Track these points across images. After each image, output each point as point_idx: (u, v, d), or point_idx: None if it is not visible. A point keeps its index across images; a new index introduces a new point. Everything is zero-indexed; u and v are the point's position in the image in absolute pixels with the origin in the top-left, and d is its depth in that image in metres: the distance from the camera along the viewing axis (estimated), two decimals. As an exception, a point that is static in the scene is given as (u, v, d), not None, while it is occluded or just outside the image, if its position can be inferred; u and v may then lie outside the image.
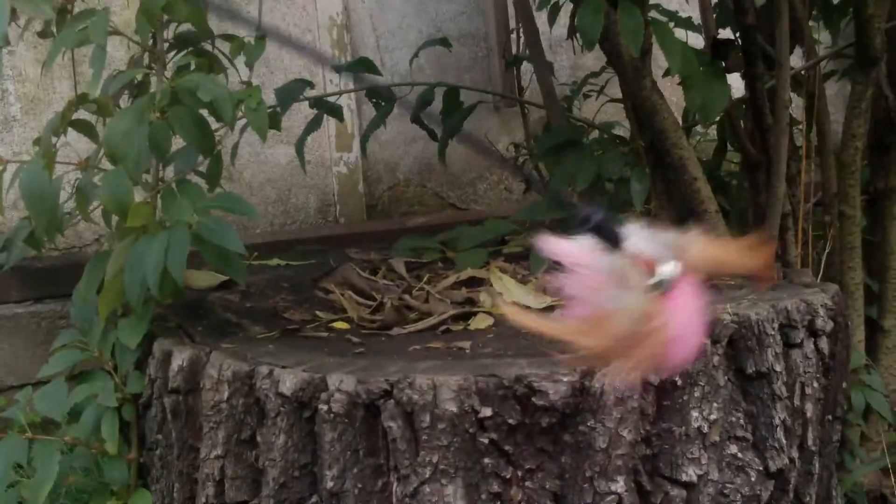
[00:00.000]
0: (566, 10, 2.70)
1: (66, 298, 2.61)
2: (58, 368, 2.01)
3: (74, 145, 2.19)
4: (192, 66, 2.14)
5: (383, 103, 2.90)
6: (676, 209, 2.57)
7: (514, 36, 3.77)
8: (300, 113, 3.12)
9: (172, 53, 2.20)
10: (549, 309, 1.99)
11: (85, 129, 2.24)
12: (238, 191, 3.36)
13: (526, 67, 3.55)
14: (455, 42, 3.53)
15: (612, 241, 1.06)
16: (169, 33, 2.17)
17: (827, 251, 2.69)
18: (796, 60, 2.84)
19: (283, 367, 1.66)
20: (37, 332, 2.72)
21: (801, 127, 2.88)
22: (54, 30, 2.18)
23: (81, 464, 2.01)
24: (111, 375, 1.98)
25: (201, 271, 2.27)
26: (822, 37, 3.13)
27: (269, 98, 2.14)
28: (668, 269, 1.04)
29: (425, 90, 2.91)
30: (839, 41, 3.03)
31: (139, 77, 2.20)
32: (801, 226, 2.63)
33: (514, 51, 3.75)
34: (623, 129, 3.18)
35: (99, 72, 1.98)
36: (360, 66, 3.02)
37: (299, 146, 2.71)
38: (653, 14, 2.52)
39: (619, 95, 2.97)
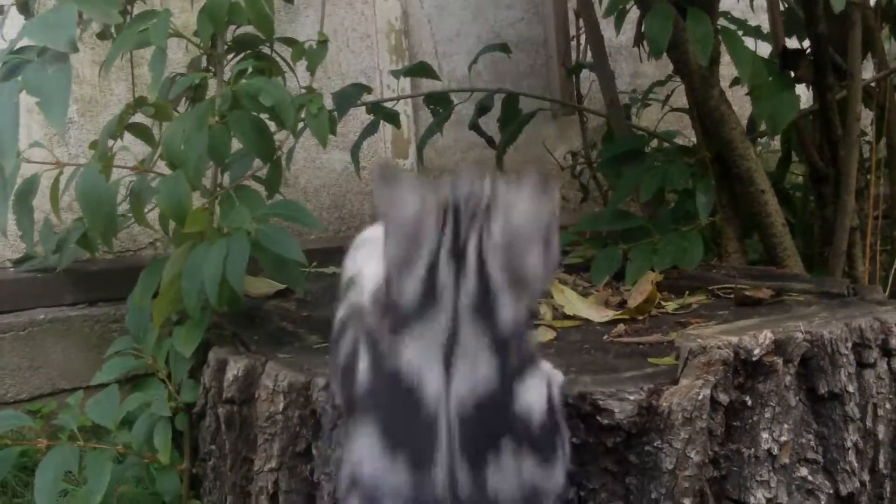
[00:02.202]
0: (629, 17, 2.66)
1: (120, 302, 2.62)
2: (111, 376, 2.00)
3: (130, 148, 2.17)
4: (251, 70, 2.12)
5: (441, 110, 2.87)
6: (742, 222, 2.52)
7: (573, 43, 3.72)
8: (356, 118, 3.09)
9: (230, 56, 2.18)
10: (612, 323, 1.95)
11: (142, 132, 2.22)
12: (293, 196, 3.33)
13: (584, 75, 3.50)
14: (514, 48, 3.48)
15: None
16: (227, 36, 2.14)
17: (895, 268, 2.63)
18: (866, 71, 2.78)
19: (341, 378, 1.62)
20: (90, 335, 2.71)
21: (868, 139, 2.82)
22: (113, 31, 2.17)
23: (133, 473, 2.00)
24: (165, 383, 1.96)
25: (258, 278, 2.24)
26: (889, 47, 3.07)
27: (326, 102, 2.11)
28: None
29: (484, 97, 2.87)
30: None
31: (198, 81, 2.17)
32: (869, 240, 2.57)
33: (573, 58, 3.70)
34: (683, 139, 3.12)
35: (159, 75, 1.95)
36: (418, 72, 3.00)
37: (355, 152, 2.68)
38: (722, 22, 2.48)
39: (680, 104, 2.92)
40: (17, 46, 1.82)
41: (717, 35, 2.33)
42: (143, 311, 2.01)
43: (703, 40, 2.26)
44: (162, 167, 2.07)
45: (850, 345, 1.69)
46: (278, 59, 2.24)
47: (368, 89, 2.56)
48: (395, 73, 3.05)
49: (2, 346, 2.65)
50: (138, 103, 2.16)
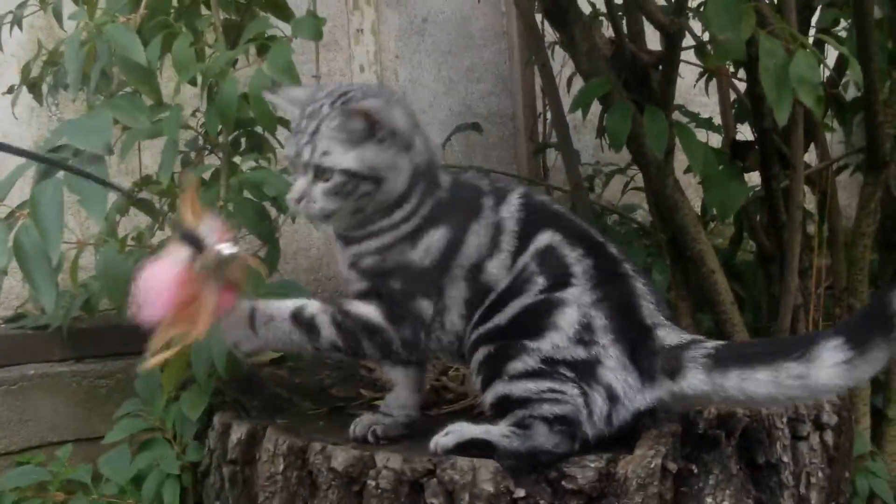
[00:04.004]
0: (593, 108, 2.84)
1: (107, 358, 2.82)
2: (121, 435, 2.16)
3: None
4: (243, 146, 2.35)
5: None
6: (694, 299, 2.72)
7: (540, 117, 3.93)
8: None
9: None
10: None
11: (147, 208, 2.40)
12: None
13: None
14: (483, 121, 3.68)
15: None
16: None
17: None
18: (811, 157, 2.99)
19: (335, 443, 1.82)
20: (77, 390, 2.82)
21: (815, 219, 3.03)
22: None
23: (143, 528, 2.15)
24: (170, 444, 2.14)
25: (256, 346, 2.41)
26: (836, 127, 3.27)
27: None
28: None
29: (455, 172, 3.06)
30: (851, 136, 3.19)
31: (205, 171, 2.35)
32: (812, 317, 2.77)
33: (539, 130, 3.90)
34: (644, 213, 3.31)
35: (170, 163, 2.14)
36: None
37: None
38: (676, 115, 2.66)
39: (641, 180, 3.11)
40: (57, 144, 1.96)
41: (672, 129, 2.53)
42: (152, 377, 2.19)
43: (658, 136, 2.44)
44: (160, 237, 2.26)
45: (785, 420, 1.89)
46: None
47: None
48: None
49: (-6, 399, 2.76)
50: (145, 182, 2.34)
